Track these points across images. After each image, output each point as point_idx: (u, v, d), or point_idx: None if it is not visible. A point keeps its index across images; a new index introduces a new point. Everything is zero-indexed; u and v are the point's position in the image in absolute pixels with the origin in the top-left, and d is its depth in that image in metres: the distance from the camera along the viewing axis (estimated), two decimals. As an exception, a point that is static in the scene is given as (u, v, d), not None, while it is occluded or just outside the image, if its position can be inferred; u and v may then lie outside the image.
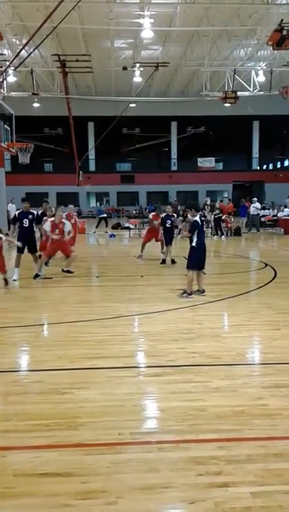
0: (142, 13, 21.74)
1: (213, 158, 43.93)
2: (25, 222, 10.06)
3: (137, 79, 30.26)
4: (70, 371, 4.66)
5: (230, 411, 3.73)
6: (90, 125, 43.47)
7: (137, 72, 29.43)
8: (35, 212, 10.52)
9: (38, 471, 2.95)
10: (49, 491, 2.75)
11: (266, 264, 11.76)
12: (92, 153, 42.67)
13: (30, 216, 10.18)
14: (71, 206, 17.32)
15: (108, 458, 3.10)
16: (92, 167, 43.91)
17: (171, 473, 2.92)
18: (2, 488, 2.78)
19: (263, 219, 23.67)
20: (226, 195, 41.46)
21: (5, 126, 20.63)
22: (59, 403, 3.93)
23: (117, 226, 26.08)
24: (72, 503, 2.65)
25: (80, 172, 35.53)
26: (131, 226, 24.36)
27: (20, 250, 9.77)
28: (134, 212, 42.38)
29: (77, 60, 27.13)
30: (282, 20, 18.75)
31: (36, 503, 2.65)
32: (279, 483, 2.81)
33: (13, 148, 21.84)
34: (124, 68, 28.23)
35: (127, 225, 25.33)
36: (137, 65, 28.23)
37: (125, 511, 2.60)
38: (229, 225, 20.36)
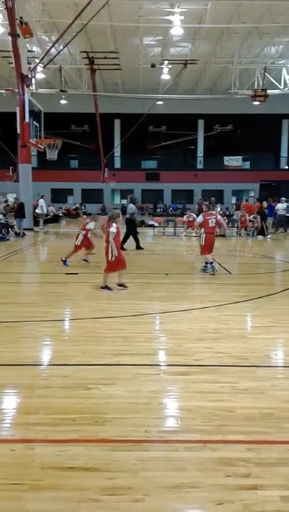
0: (172, 10, 21.68)
1: (240, 157, 43.52)
2: None
3: (165, 76, 30.22)
4: (96, 367, 4.67)
5: (259, 413, 3.67)
6: (117, 122, 43.63)
7: (165, 70, 29.39)
8: None
9: (65, 465, 2.96)
10: (76, 485, 2.76)
11: (293, 265, 11.57)
12: (117, 151, 42.87)
13: None
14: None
15: (135, 455, 3.09)
16: (117, 164, 44.11)
17: (199, 473, 2.89)
18: (30, 481, 2.80)
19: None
20: (252, 195, 41.06)
21: (34, 122, 20.85)
22: (85, 398, 3.94)
23: (140, 224, 26.08)
24: (99, 498, 2.64)
25: (106, 169, 35.66)
26: (155, 224, 24.36)
27: None
28: (158, 210, 42.36)
29: (105, 57, 27.26)
30: (315, 17, 18.40)
31: (64, 497, 2.66)
32: (309, 489, 2.75)
33: (41, 144, 22.06)
34: (153, 65, 28.21)
35: (151, 222, 25.32)
36: (166, 62, 28.19)
37: (152, 509, 2.58)
38: (256, 224, 20.13)
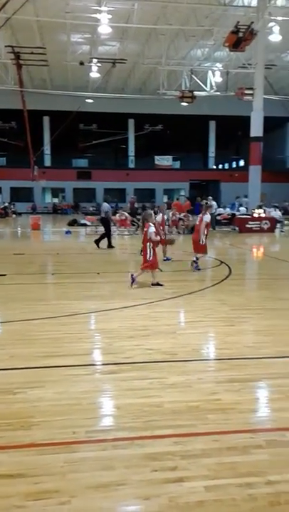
0: (98, 8, 21.58)
1: (170, 157, 44.33)
2: None
3: (94, 74, 30.04)
4: (24, 370, 4.55)
5: (185, 406, 3.76)
6: (46, 119, 42.74)
7: (94, 68, 29.22)
8: None
9: (-11, 474, 2.86)
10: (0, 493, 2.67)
11: (221, 262, 11.99)
12: (47, 148, 42.01)
13: None
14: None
15: (62, 457, 3.04)
16: (47, 162, 43.25)
17: (126, 470, 2.91)
18: None
19: (218, 217, 24.10)
20: (183, 194, 41.94)
21: None
22: (11, 403, 3.82)
23: (73, 223, 25.82)
24: (24, 504, 2.58)
25: (35, 167, 34.79)
26: (88, 223, 24.17)
27: None
28: (90, 209, 42.08)
29: (32, 53, 26.59)
30: (238, 22, 19.14)
31: (-14, 507, 2.57)
32: (232, 477, 2.86)
33: None
34: (81, 63, 27.96)
35: (83, 221, 25.10)
36: (94, 60, 28.02)
37: (79, 510, 2.56)
38: (186, 223, 20.62)
